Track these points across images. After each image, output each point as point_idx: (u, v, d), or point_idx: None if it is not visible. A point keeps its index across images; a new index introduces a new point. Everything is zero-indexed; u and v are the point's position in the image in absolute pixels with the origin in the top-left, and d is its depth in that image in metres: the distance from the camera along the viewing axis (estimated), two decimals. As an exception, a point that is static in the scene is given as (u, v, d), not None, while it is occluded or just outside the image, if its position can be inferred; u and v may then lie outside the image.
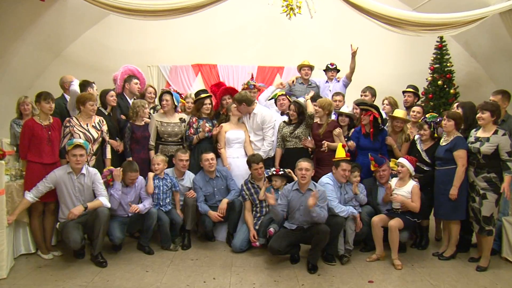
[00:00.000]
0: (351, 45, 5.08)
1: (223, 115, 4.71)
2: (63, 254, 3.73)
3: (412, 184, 3.77)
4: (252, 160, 4.07)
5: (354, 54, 5.11)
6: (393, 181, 3.88)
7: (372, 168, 3.97)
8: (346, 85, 5.35)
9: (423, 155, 4.00)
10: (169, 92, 4.49)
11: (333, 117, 4.55)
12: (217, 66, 6.61)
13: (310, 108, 4.31)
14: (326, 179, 3.81)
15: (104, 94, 4.32)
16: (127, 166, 3.83)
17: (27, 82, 6.10)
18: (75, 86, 3.99)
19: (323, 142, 4.21)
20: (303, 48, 6.57)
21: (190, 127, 4.45)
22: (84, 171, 3.57)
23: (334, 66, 5.44)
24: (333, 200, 3.65)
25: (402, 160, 3.85)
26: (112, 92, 4.34)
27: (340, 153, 3.84)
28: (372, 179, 4.07)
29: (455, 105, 4.19)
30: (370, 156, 3.96)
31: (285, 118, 4.57)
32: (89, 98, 3.83)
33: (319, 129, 4.30)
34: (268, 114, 4.52)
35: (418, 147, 4.06)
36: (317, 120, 4.38)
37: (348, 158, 3.85)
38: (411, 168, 3.79)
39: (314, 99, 4.56)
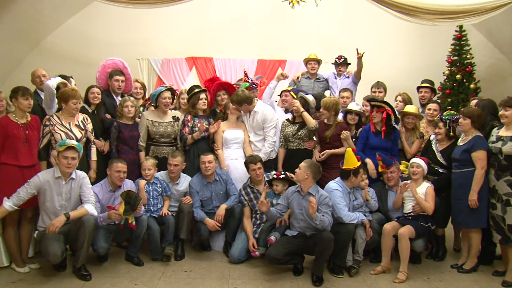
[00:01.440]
0: (357, 49, 5.06)
1: (221, 113, 4.74)
2: (41, 266, 3.69)
3: (426, 186, 3.80)
4: (249, 161, 4.11)
5: (360, 58, 5.10)
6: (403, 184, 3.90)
7: (380, 169, 4.00)
8: (356, 83, 5.36)
9: (438, 156, 4.02)
10: (170, 89, 4.53)
11: (340, 115, 4.57)
12: (213, 59, 6.65)
13: (311, 122, 4.30)
14: (334, 184, 3.83)
15: (87, 90, 4.34)
16: (114, 160, 3.87)
17: (0, 76, 6.12)
18: (51, 81, 3.94)
19: (322, 153, 4.25)
20: (307, 39, 6.60)
21: (185, 126, 4.47)
22: (73, 175, 3.55)
23: (342, 59, 5.40)
24: (342, 209, 3.66)
25: (417, 160, 3.88)
26: (95, 89, 4.35)
27: (353, 161, 3.80)
28: (381, 183, 4.10)
29: (473, 101, 4.20)
30: (378, 155, 3.98)
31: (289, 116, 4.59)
32: (73, 96, 3.82)
33: (326, 131, 4.32)
34: (269, 112, 4.55)
35: (434, 147, 4.08)
36: (324, 119, 4.40)
37: (360, 164, 3.88)
38: (425, 167, 3.84)
39: (318, 99, 4.57)
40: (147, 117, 4.42)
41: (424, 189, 3.79)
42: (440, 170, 4.01)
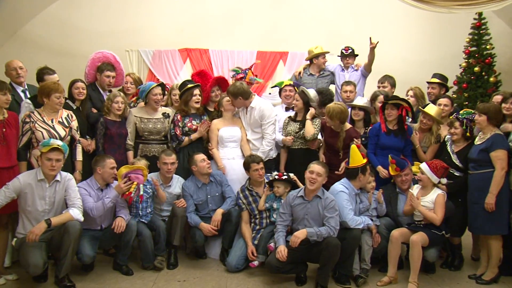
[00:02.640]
0: (370, 38, 5.07)
1: (215, 111, 4.77)
2: (19, 278, 3.68)
3: (436, 193, 3.78)
4: (251, 160, 4.13)
5: (373, 48, 5.11)
6: (415, 189, 3.93)
7: (392, 172, 4.00)
8: (365, 76, 5.38)
9: (454, 158, 4.04)
10: (160, 85, 4.56)
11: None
12: (209, 51, 6.65)
13: (308, 132, 4.32)
14: (340, 186, 3.85)
15: (70, 85, 4.36)
16: (103, 157, 3.87)
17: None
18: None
19: (340, 169, 4.23)
20: (311, 30, 6.63)
21: (175, 126, 4.49)
22: (57, 177, 3.55)
23: (350, 51, 5.39)
24: (348, 213, 3.69)
25: (422, 165, 3.88)
26: (79, 83, 4.35)
27: (359, 159, 3.83)
28: (391, 185, 4.12)
29: (495, 97, 4.21)
30: (390, 158, 3.99)
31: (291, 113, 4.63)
32: (55, 89, 3.82)
33: (333, 137, 4.32)
34: (267, 108, 4.57)
35: (448, 148, 4.10)
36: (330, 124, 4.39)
37: (367, 160, 3.92)
38: (432, 176, 3.78)
39: (323, 93, 4.58)
40: (135, 113, 4.45)
41: (434, 197, 3.77)
42: (456, 173, 4.02)
